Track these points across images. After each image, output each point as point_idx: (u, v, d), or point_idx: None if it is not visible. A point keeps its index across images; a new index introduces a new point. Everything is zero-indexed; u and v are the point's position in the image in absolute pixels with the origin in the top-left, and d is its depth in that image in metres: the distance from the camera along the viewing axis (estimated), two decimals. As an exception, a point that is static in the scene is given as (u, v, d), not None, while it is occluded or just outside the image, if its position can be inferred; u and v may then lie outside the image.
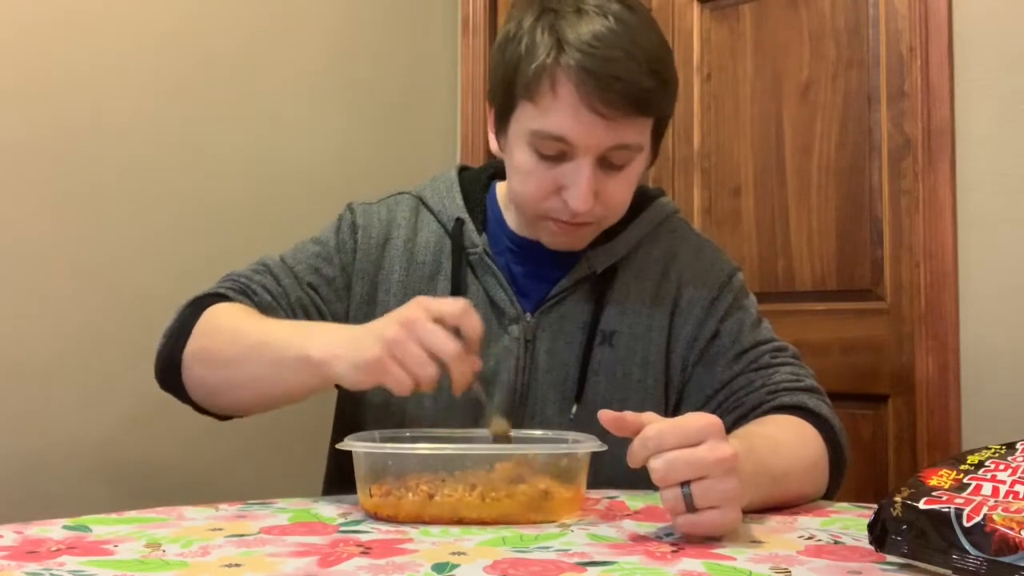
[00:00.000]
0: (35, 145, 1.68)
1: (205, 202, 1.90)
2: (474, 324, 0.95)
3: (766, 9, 2.03)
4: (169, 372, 1.14)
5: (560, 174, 1.07)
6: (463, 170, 1.30)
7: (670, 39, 2.14)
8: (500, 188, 1.25)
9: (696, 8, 2.13)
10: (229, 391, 1.10)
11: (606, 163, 1.08)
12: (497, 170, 1.25)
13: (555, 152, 1.07)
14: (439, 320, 0.93)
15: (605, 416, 0.85)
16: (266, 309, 1.16)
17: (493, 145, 1.17)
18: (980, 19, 1.70)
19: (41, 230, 1.69)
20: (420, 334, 0.92)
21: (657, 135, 1.13)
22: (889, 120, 1.84)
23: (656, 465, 0.80)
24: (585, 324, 1.17)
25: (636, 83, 1.02)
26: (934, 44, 1.74)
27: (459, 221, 1.21)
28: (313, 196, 2.05)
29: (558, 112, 1.04)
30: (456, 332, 0.95)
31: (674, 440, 0.80)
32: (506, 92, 1.09)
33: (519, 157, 1.10)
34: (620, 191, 1.11)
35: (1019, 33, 1.66)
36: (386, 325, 0.95)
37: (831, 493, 1.08)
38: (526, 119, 1.07)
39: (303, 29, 2.09)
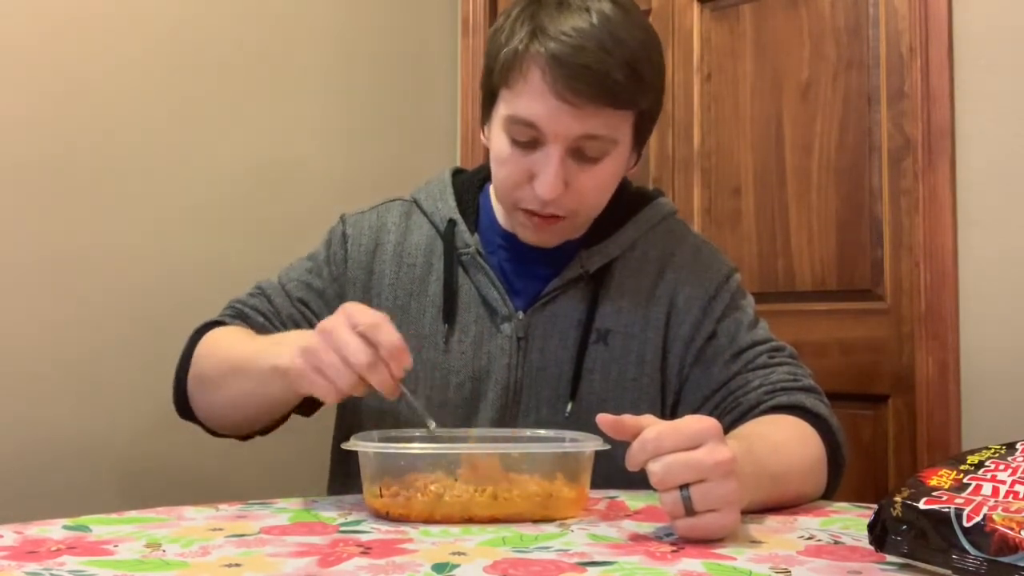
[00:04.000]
0: (41, 148, 1.68)
1: (208, 203, 1.91)
2: (386, 336, 0.92)
3: (766, 9, 2.03)
4: (181, 401, 1.20)
5: (532, 162, 1.08)
6: (457, 173, 1.31)
7: (670, 39, 2.15)
8: (493, 191, 1.25)
9: (696, 8, 2.13)
10: (225, 411, 1.15)
11: (579, 154, 1.08)
12: (490, 172, 1.26)
13: (527, 138, 1.08)
14: (358, 327, 0.92)
15: (603, 420, 0.85)
16: (260, 329, 1.20)
17: (483, 137, 1.19)
18: (980, 19, 1.70)
19: (43, 230, 1.69)
20: (335, 343, 0.92)
21: (639, 134, 1.13)
22: (889, 120, 1.84)
23: (654, 468, 0.80)
24: (579, 322, 1.17)
25: (606, 74, 1.03)
26: (934, 44, 1.74)
27: (451, 222, 1.21)
28: (314, 196, 2.05)
29: (527, 97, 1.06)
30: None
31: (672, 443, 0.80)
32: (488, 81, 1.12)
33: (496, 144, 1.12)
34: (592, 185, 1.11)
35: (1019, 33, 1.66)
36: (309, 335, 0.95)
37: (830, 493, 1.08)
38: (503, 105, 1.10)
39: (303, 30, 2.09)
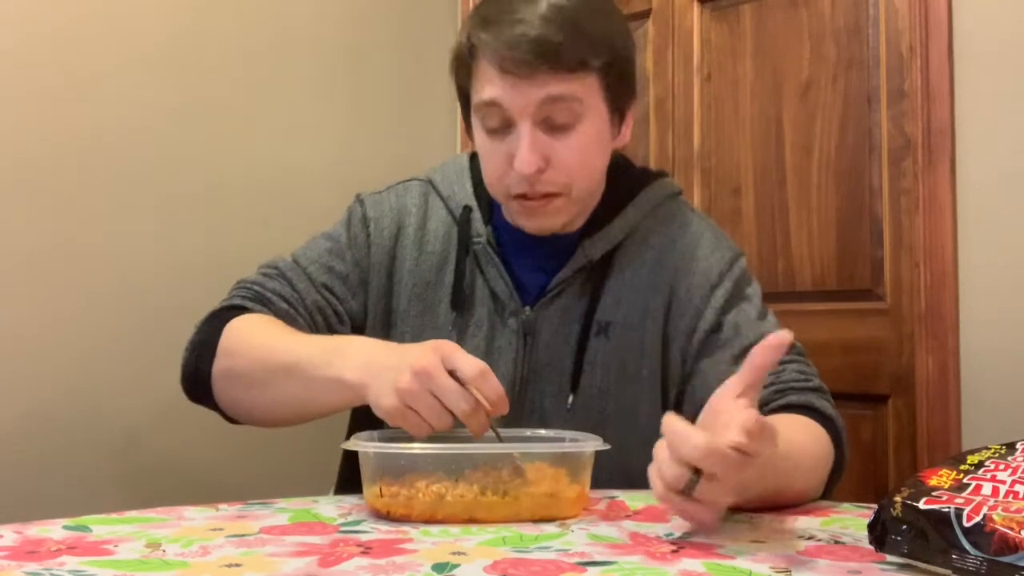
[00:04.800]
0: (42, 149, 1.68)
1: (210, 201, 1.91)
2: (492, 388, 0.93)
3: (766, 9, 2.03)
4: (198, 388, 1.15)
5: (509, 144, 1.10)
6: (475, 156, 1.29)
7: (670, 39, 2.15)
8: None
9: (696, 8, 2.13)
10: (263, 410, 1.12)
11: (551, 124, 1.09)
12: None
13: (498, 120, 1.10)
14: (454, 372, 0.92)
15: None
16: (283, 316, 1.16)
17: (472, 142, 1.20)
18: (980, 19, 1.70)
19: (44, 230, 1.69)
20: (434, 389, 0.91)
21: (612, 96, 1.13)
22: (889, 120, 1.84)
23: (731, 452, 0.76)
24: (582, 315, 1.17)
25: (544, 39, 1.05)
26: (934, 44, 1.74)
27: (467, 208, 1.21)
28: (314, 196, 2.05)
29: (482, 81, 1.09)
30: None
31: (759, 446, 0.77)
32: (458, 87, 1.16)
33: (477, 140, 1.14)
34: (572, 154, 1.10)
35: (1019, 33, 1.66)
36: (400, 371, 0.93)
37: (827, 493, 1.08)
38: (473, 99, 1.13)
39: (303, 30, 2.09)
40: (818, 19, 1.95)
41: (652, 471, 0.82)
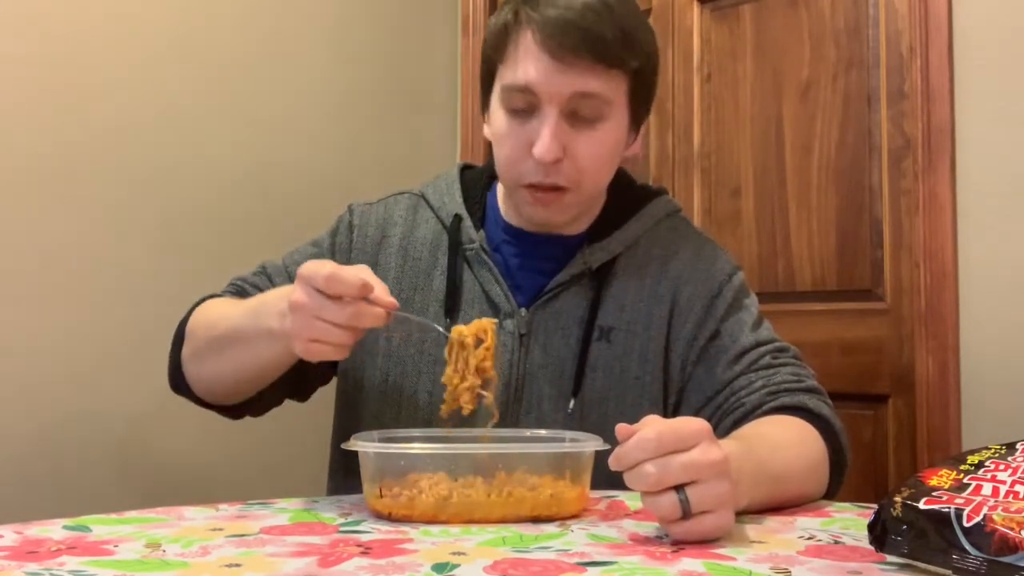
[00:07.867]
0: (38, 150, 1.68)
1: (209, 203, 1.91)
2: (346, 285, 0.92)
3: (766, 9, 2.03)
4: (175, 377, 1.19)
5: (531, 130, 1.10)
6: (466, 169, 1.31)
7: (670, 39, 2.15)
8: (500, 186, 1.26)
9: (696, 8, 2.13)
10: (220, 379, 1.14)
11: (575, 117, 1.10)
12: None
13: (524, 104, 1.10)
14: (321, 289, 0.93)
15: (622, 431, 0.83)
16: None
17: (486, 130, 1.20)
18: (980, 19, 1.70)
19: (47, 232, 1.69)
20: (315, 311, 0.92)
21: (635, 103, 1.14)
22: (889, 120, 1.84)
23: (651, 469, 0.79)
24: (582, 319, 1.17)
25: (593, 30, 1.06)
26: (934, 44, 1.74)
27: (457, 217, 1.22)
28: (314, 196, 2.05)
29: (521, 61, 1.09)
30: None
31: (671, 444, 0.80)
32: (486, 66, 1.16)
33: (496, 122, 1.14)
34: (590, 151, 1.12)
35: (1019, 33, 1.66)
36: (284, 314, 0.95)
37: (831, 494, 1.08)
38: (499, 80, 1.13)
39: (303, 30, 2.09)
40: (818, 19, 1.95)
41: (647, 506, 0.82)
